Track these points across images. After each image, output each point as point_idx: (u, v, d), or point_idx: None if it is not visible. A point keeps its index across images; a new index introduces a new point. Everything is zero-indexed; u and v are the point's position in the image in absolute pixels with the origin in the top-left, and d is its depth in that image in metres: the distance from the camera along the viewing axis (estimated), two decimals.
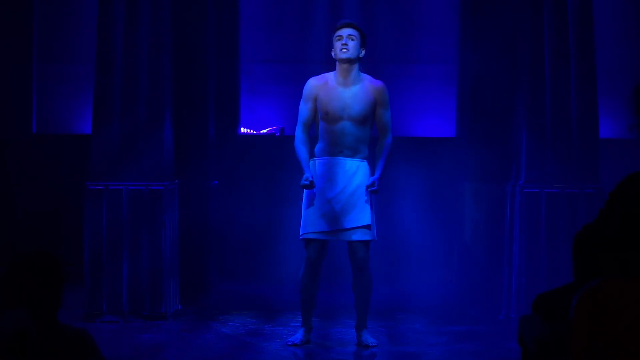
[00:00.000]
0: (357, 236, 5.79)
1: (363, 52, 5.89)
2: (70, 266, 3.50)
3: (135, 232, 6.64)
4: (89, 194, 6.65)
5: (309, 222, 5.81)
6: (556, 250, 6.43)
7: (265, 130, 8.53)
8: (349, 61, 5.81)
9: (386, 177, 7.42)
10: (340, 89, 5.84)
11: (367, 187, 5.78)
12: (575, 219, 6.41)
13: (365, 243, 5.82)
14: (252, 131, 8.53)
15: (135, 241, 6.64)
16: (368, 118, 5.85)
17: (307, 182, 5.74)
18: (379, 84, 5.89)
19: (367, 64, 7.88)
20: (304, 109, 5.91)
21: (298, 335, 5.98)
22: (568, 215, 6.49)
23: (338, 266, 6.80)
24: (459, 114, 8.05)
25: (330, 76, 5.91)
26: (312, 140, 5.95)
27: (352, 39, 5.82)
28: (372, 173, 5.88)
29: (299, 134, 5.91)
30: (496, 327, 6.54)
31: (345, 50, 5.79)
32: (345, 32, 5.84)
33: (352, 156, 5.85)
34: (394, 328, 6.57)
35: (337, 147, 5.84)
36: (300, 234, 5.86)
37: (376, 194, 5.83)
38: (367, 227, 5.79)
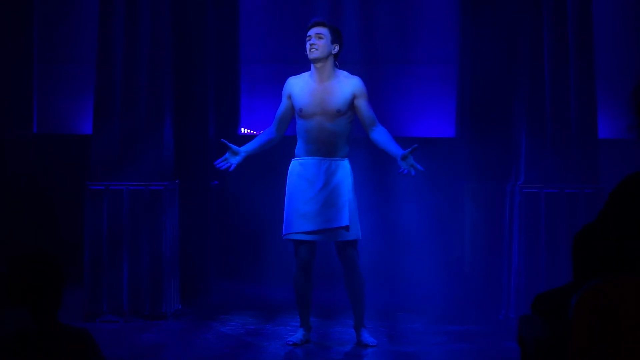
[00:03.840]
0: (341, 236, 5.79)
1: (336, 48, 5.86)
2: (71, 266, 3.50)
3: (135, 232, 6.65)
4: (89, 194, 6.65)
5: (291, 222, 5.81)
6: (556, 250, 6.43)
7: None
8: (319, 60, 5.82)
9: (386, 177, 7.42)
10: (315, 85, 5.85)
11: (407, 162, 5.57)
12: (574, 218, 6.41)
13: (352, 242, 5.82)
14: (252, 131, 8.53)
15: (135, 241, 6.65)
16: (344, 113, 5.81)
17: (222, 159, 5.85)
18: (355, 78, 5.90)
19: (367, 64, 7.90)
20: (281, 106, 5.99)
21: (298, 335, 5.99)
22: (567, 215, 6.50)
23: (337, 265, 6.80)
24: (459, 114, 8.05)
25: (306, 75, 5.94)
26: (294, 141, 5.97)
27: (320, 38, 5.81)
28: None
29: (270, 126, 6.04)
30: (496, 327, 6.55)
31: (313, 50, 5.80)
32: (313, 31, 5.84)
33: (331, 154, 5.81)
34: (394, 328, 6.57)
35: (314, 145, 5.82)
36: (283, 233, 5.87)
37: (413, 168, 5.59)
38: (346, 228, 5.78)
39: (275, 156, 7.98)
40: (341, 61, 5.95)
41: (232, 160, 5.85)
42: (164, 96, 6.76)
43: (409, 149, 5.62)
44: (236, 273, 8.17)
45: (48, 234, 7.68)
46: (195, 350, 5.83)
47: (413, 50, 8.41)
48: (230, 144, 5.83)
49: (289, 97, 5.93)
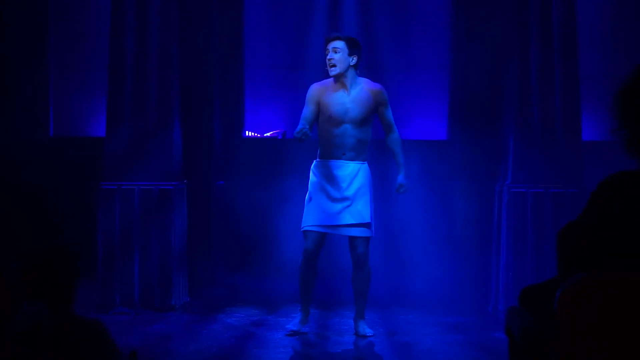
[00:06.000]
0: (357, 232, 5.80)
1: (355, 59, 5.82)
2: (85, 261, 3.50)
3: (146, 229, 6.65)
4: (102, 194, 6.65)
5: (310, 216, 5.82)
6: (541, 246, 6.43)
7: (268, 134, 8.52)
8: (338, 75, 5.80)
9: (384, 177, 7.42)
10: (341, 93, 5.84)
11: (397, 191, 5.87)
12: (559, 216, 6.41)
13: (365, 239, 5.84)
14: (256, 134, 8.53)
15: (146, 238, 6.65)
16: (368, 120, 5.85)
17: (299, 135, 5.44)
18: (377, 86, 5.89)
19: (365, 70, 7.90)
20: (307, 111, 5.83)
21: (296, 321, 6.02)
22: (553, 213, 6.50)
23: (339, 261, 6.80)
24: (451, 117, 8.05)
25: (331, 82, 5.90)
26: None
27: (336, 52, 5.78)
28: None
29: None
30: (485, 319, 6.55)
31: (331, 66, 5.78)
32: (330, 46, 5.81)
33: (354, 158, 5.85)
34: (390, 319, 6.57)
35: (339, 150, 5.84)
36: (302, 226, 5.86)
37: (407, 191, 5.91)
38: (367, 225, 5.80)
39: (278, 158, 8.00)
40: None
41: (309, 133, 5.56)
42: (172, 101, 6.76)
43: (402, 190, 5.88)
44: (241, 268, 8.17)
45: (63, 231, 7.68)
46: (202, 340, 5.83)
47: (408, 58, 8.41)
48: (305, 130, 5.48)
49: (317, 103, 5.85)
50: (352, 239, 5.85)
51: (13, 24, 7.87)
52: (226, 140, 8.16)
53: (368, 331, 5.97)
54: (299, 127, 5.53)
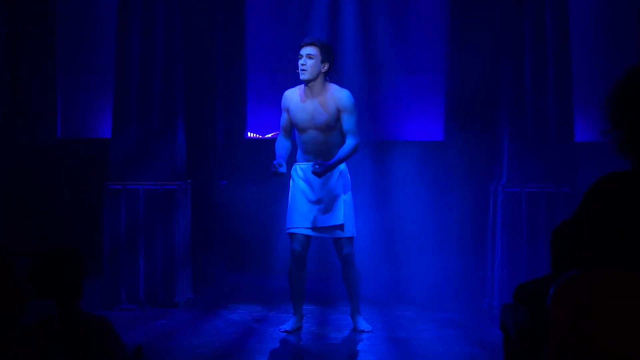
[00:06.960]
0: (337, 234, 5.78)
1: (326, 67, 5.74)
2: (91, 259, 3.50)
3: (151, 227, 6.65)
4: (108, 193, 6.65)
5: (293, 218, 5.80)
6: (535, 244, 6.43)
7: (270, 135, 8.52)
8: (309, 81, 5.74)
9: (382, 177, 7.43)
10: (307, 100, 5.78)
11: (312, 164, 5.58)
12: (553, 215, 6.42)
13: (348, 239, 5.81)
14: (258, 135, 8.53)
15: (151, 236, 6.65)
16: (334, 126, 5.75)
17: (273, 169, 5.54)
18: (342, 92, 5.77)
19: (365, 73, 7.88)
20: (282, 118, 5.92)
21: (290, 323, 5.98)
22: (546, 212, 6.50)
23: (335, 259, 6.79)
24: (447, 119, 8.05)
25: (301, 88, 5.86)
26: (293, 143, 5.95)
27: (310, 58, 5.71)
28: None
29: (280, 137, 5.91)
30: (480, 315, 6.55)
31: (303, 72, 5.72)
32: (304, 51, 5.74)
33: (327, 161, 5.80)
34: (388, 316, 6.57)
35: (311, 154, 5.81)
36: (286, 228, 5.85)
37: (319, 176, 5.56)
38: (341, 226, 5.77)
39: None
40: (344, 71, 5.85)
41: (282, 170, 5.61)
42: (176, 103, 6.77)
43: (314, 168, 5.53)
44: (243, 265, 8.17)
45: (70, 229, 7.68)
46: (205, 336, 5.83)
47: (406, 61, 8.40)
48: (284, 172, 5.61)
49: (287, 110, 5.88)
50: (335, 240, 5.84)
51: (21, 26, 7.86)
52: (229, 141, 8.16)
53: (366, 326, 5.97)
54: (275, 161, 5.57)
